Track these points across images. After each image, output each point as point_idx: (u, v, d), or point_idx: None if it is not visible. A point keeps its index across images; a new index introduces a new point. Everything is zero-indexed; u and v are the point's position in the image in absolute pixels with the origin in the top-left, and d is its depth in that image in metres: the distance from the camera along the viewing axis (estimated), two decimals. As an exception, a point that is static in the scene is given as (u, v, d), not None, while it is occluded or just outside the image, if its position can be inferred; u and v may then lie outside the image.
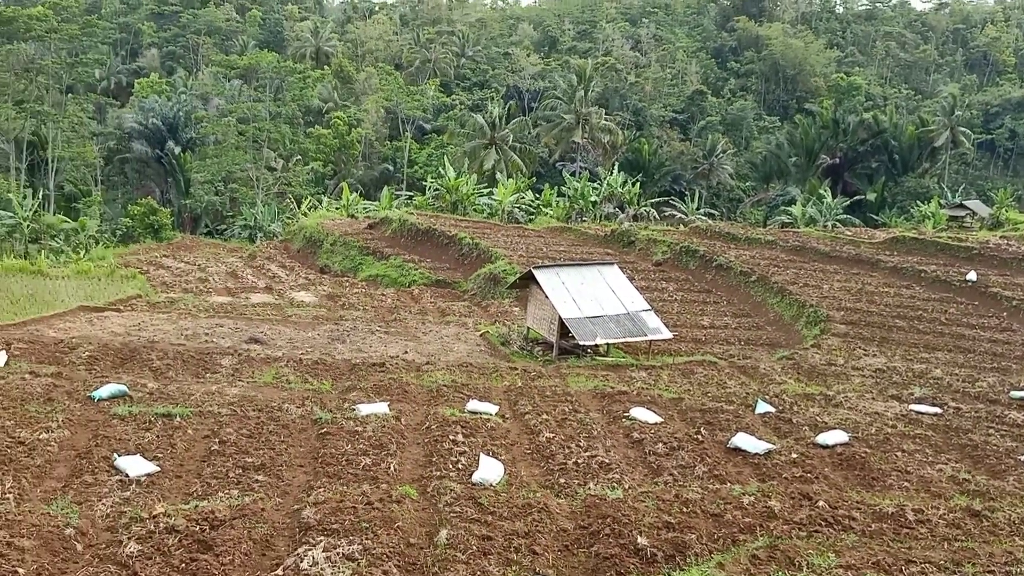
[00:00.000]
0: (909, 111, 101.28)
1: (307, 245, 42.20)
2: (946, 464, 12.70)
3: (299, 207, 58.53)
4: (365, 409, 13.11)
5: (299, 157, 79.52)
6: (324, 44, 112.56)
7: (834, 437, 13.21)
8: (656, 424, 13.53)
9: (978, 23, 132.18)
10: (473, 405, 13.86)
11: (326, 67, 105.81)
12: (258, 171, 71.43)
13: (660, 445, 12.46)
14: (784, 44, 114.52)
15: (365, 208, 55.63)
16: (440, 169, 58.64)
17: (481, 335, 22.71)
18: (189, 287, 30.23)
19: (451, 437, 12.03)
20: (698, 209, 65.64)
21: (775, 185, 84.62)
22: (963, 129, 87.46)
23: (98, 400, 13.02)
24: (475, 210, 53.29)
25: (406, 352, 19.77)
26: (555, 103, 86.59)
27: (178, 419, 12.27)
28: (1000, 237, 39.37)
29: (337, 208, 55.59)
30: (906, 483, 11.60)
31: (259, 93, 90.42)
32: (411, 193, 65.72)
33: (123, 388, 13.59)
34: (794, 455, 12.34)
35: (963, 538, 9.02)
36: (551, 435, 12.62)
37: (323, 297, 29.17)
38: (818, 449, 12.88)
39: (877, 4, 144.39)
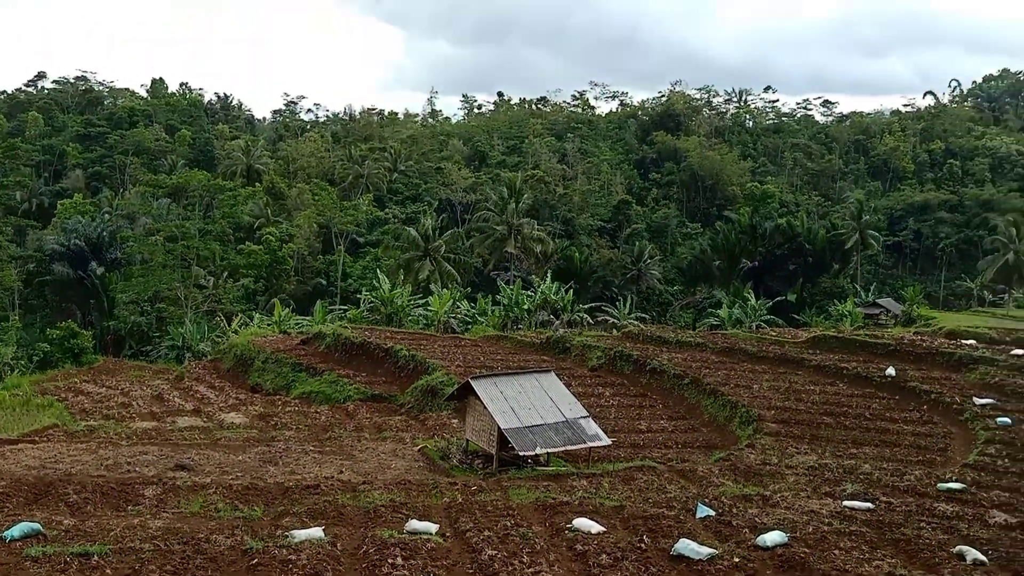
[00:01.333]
0: (820, 216, 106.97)
1: (238, 364, 41.23)
2: (882, 560, 12.84)
3: (229, 325, 57.49)
4: (299, 535, 12.67)
5: (229, 274, 78.72)
6: (255, 162, 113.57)
7: (773, 538, 13.29)
8: (599, 534, 13.41)
9: (877, 133, 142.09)
10: (412, 525, 13.52)
11: (257, 184, 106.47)
12: (186, 289, 70.31)
13: (604, 556, 12.32)
14: (701, 156, 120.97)
15: (298, 323, 54.99)
16: (374, 282, 58.79)
17: (419, 450, 22.33)
18: (111, 413, 29.00)
19: (390, 561, 11.68)
20: (629, 314, 67.02)
21: (701, 288, 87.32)
22: (872, 232, 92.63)
23: (9, 540, 12.26)
24: (411, 321, 53.22)
25: (342, 472, 19.26)
26: (487, 215, 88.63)
27: (95, 558, 11.60)
28: (914, 333, 41.20)
29: (269, 324, 54.80)
30: (846, 582, 11.68)
31: (188, 211, 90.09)
32: (345, 307, 65.46)
33: (36, 526, 12.83)
34: (736, 559, 12.35)
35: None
36: (493, 552, 12.36)
37: (254, 417, 28.36)
38: (759, 552, 12.92)
39: (783, 118, 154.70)
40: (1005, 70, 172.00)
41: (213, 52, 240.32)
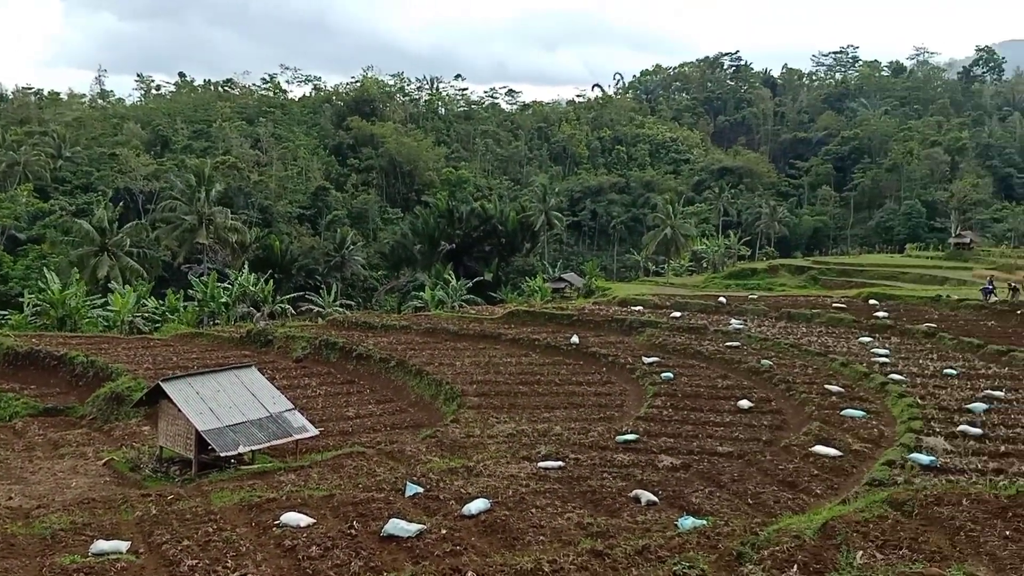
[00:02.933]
0: (511, 199, 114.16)
1: None
2: (573, 512, 14.17)
3: None
4: (-46, 580, 10.95)
5: None
6: None
7: (477, 506, 14.04)
8: (308, 526, 13.22)
9: (556, 122, 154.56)
10: (99, 546, 12.32)
11: None
12: None
13: (314, 548, 12.19)
14: (398, 142, 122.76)
15: (-59, 337, 46.79)
16: (41, 282, 51.87)
17: (104, 463, 20.34)
18: None
19: (72, 590, 10.53)
20: (335, 301, 66.13)
21: (405, 272, 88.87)
22: (556, 213, 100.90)
23: None
24: (88, 324, 47.95)
25: (11, 498, 17.04)
26: (174, 204, 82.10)
27: None
28: (593, 303, 45.69)
29: (-99, 340, 45.97)
30: (542, 537, 12.72)
31: None
32: (5, 312, 56.99)
33: None
34: (443, 531, 12.86)
35: (590, 577, 10.15)
36: (194, 562, 11.68)
37: None
38: (464, 520, 13.59)
39: (473, 106, 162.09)
40: (658, 66, 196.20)
41: None
